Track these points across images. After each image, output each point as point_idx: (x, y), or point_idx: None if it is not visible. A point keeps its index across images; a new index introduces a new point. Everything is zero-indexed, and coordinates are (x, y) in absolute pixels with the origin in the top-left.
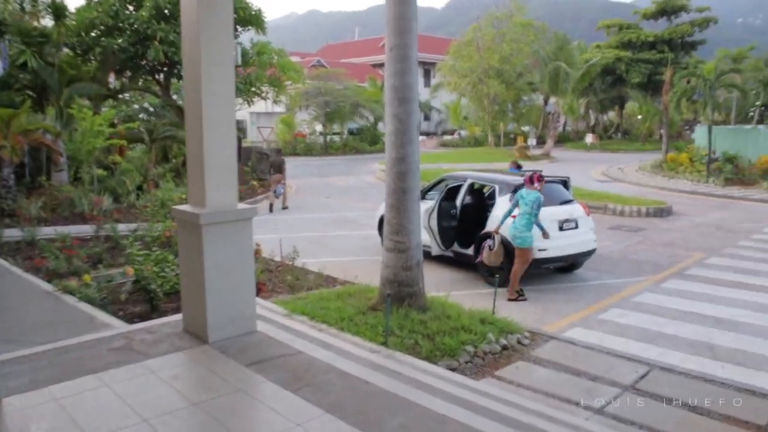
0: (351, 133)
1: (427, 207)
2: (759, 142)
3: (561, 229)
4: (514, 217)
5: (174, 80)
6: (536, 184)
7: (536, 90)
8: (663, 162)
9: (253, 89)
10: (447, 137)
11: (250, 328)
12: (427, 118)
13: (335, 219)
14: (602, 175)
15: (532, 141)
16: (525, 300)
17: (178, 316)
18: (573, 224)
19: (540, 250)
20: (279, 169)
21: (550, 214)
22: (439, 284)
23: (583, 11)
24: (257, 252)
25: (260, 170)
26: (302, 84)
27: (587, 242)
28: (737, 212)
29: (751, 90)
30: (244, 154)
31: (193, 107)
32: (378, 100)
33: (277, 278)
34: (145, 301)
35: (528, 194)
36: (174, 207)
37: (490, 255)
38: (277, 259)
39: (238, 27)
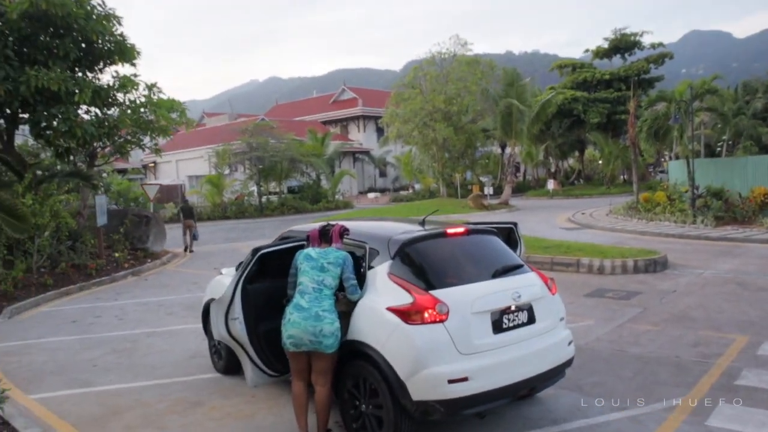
0: (291, 191)
1: (220, 296)
2: (747, 174)
3: (499, 328)
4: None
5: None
6: (336, 244)
7: (490, 137)
8: (637, 203)
9: (119, 136)
10: (402, 192)
11: None
12: (382, 174)
13: (192, 302)
14: (568, 221)
15: (488, 190)
16: None
17: None
18: (523, 315)
19: (453, 381)
20: (189, 214)
21: (474, 299)
22: None
23: (537, 66)
24: None
25: (136, 237)
26: (187, 129)
27: (554, 349)
28: (750, 259)
29: (727, 114)
30: (115, 217)
31: None
32: (319, 154)
33: None
34: None
35: (324, 253)
36: None
37: None
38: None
39: (100, 62)
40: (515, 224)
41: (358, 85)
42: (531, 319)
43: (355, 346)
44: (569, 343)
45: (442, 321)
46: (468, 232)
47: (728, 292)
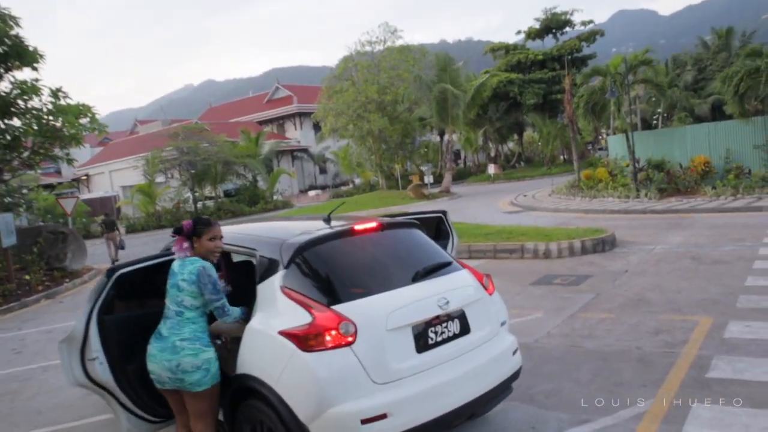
0: (228, 195)
1: (69, 333)
2: (686, 144)
3: (425, 346)
4: None
5: None
6: (181, 246)
7: (428, 125)
8: (578, 181)
9: (24, 148)
10: (343, 188)
11: None
12: (323, 171)
13: None
14: (511, 205)
15: (429, 179)
16: None
17: None
18: (454, 326)
19: (369, 420)
20: (111, 227)
21: (389, 312)
22: None
23: (471, 53)
24: None
25: (52, 255)
26: (98, 134)
27: (497, 363)
28: (699, 230)
29: (662, 85)
30: (27, 236)
31: None
32: (254, 154)
33: None
34: None
35: (182, 266)
36: None
37: None
38: None
39: None
40: (444, 213)
41: (295, 83)
42: (465, 329)
43: (245, 382)
44: (514, 352)
45: (348, 344)
46: (381, 227)
47: (683, 268)
